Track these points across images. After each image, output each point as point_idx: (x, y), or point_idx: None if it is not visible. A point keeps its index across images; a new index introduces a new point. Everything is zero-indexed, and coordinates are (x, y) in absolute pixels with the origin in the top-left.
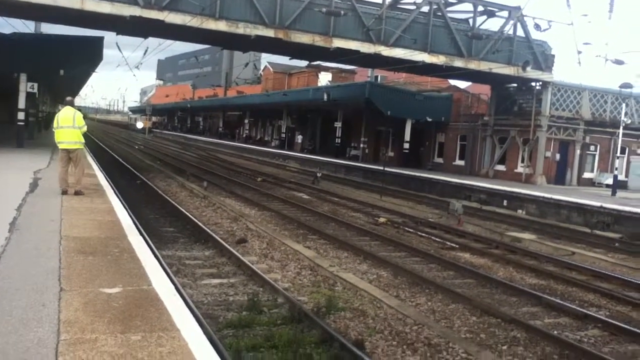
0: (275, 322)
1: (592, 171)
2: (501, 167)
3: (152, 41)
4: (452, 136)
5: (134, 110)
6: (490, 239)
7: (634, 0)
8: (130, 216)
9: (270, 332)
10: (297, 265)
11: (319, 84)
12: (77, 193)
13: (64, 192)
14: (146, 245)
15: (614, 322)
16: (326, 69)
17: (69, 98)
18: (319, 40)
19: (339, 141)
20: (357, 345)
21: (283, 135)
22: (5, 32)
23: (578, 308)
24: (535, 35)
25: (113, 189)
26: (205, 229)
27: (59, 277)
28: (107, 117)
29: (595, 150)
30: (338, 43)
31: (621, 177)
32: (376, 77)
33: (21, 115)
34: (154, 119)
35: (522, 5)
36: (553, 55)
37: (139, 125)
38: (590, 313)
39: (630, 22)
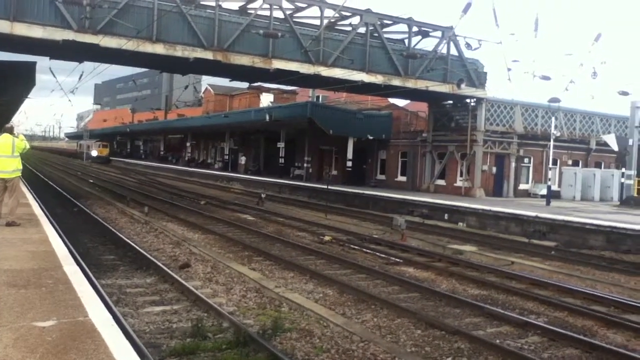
0: (220, 347)
1: (527, 182)
2: (441, 182)
3: (87, 65)
4: (394, 153)
5: (70, 136)
6: (433, 252)
7: (558, 20)
8: (67, 245)
9: (215, 357)
10: (242, 288)
11: (261, 105)
12: (9, 224)
13: None
14: (83, 275)
15: (552, 328)
16: (267, 90)
17: (8, 125)
18: (258, 62)
19: (283, 161)
20: None
21: (226, 157)
22: None
23: (518, 316)
24: (467, 54)
25: (48, 218)
26: (147, 255)
27: None
28: (46, 144)
29: (529, 162)
30: (278, 64)
31: (554, 187)
32: (317, 97)
33: None
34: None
35: (454, 25)
36: (485, 73)
37: (94, 153)
38: (530, 320)
39: (555, 39)
